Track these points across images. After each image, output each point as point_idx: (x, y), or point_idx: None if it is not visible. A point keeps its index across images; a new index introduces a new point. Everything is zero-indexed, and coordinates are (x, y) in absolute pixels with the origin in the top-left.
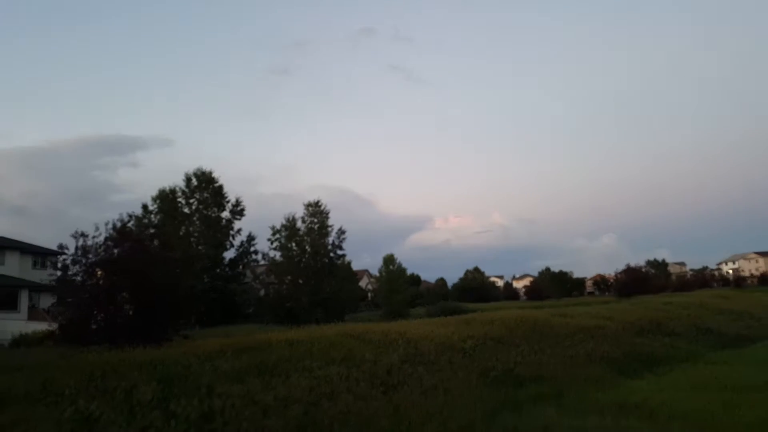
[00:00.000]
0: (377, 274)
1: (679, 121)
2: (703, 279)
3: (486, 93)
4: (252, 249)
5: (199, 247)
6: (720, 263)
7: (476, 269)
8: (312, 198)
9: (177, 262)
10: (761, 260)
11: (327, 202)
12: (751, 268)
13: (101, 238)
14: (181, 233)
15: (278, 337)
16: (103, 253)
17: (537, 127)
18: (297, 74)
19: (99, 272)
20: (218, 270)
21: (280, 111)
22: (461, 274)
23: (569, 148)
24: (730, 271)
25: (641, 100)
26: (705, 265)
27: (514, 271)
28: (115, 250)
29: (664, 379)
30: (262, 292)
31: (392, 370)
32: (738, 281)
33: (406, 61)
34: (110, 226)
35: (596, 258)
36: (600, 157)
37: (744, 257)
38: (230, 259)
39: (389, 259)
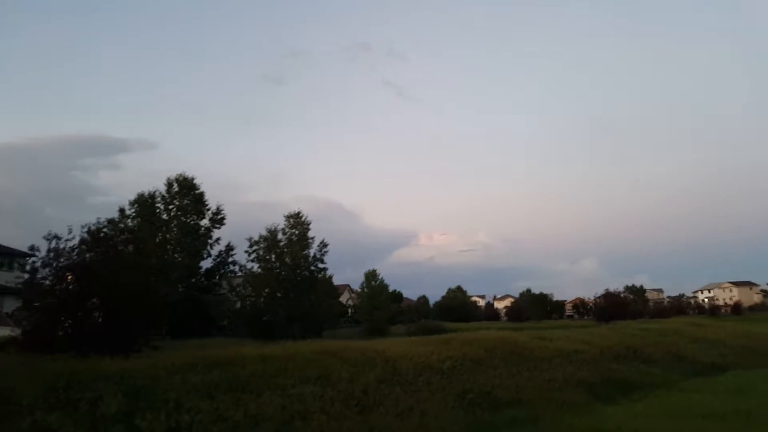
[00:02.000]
0: (359, 290)
1: (663, 150)
2: (680, 306)
3: (476, 113)
4: (230, 259)
5: (176, 255)
6: (696, 291)
7: (458, 288)
8: (297, 208)
9: (151, 269)
10: (735, 290)
11: (312, 213)
12: (725, 297)
13: (75, 242)
14: (157, 240)
15: (252, 352)
16: (75, 257)
17: (525, 149)
18: (290, 84)
19: (69, 277)
20: (194, 279)
21: (271, 120)
22: (444, 292)
23: (556, 171)
24: (706, 300)
25: (627, 128)
26: (682, 292)
27: (495, 291)
28: (88, 255)
29: (639, 406)
30: (239, 305)
31: (368, 390)
32: (713, 310)
33: (399, 77)
34: (85, 229)
35: (576, 281)
36: (585, 181)
37: (719, 286)
38: (207, 269)
39: (371, 275)
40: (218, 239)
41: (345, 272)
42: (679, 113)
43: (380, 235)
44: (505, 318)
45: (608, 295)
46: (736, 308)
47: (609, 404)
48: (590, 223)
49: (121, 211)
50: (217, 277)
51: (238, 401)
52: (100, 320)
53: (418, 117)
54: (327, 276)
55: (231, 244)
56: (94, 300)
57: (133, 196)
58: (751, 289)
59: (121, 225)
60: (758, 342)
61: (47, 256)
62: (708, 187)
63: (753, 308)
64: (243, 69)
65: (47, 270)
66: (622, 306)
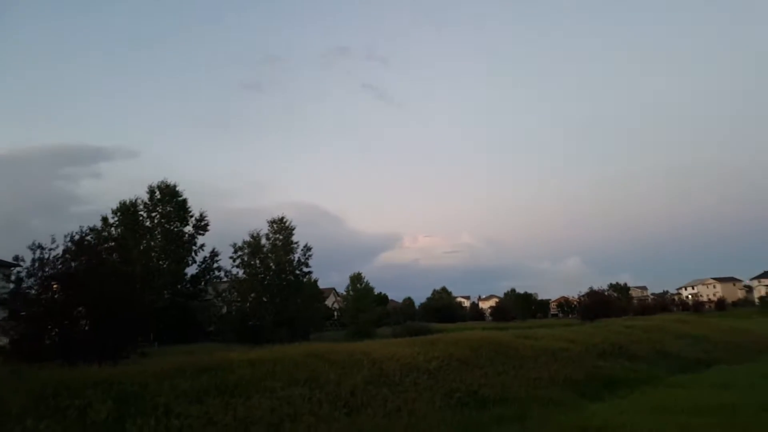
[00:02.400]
0: (344, 293)
1: (644, 149)
2: (664, 303)
3: (457, 115)
4: (215, 265)
5: (160, 262)
6: (680, 288)
7: (443, 289)
8: (280, 214)
9: (136, 277)
10: (719, 286)
11: (296, 218)
12: (709, 293)
13: (59, 251)
14: (141, 247)
15: (240, 356)
16: (60, 267)
17: (508, 150)
18: (269, 90)
19: (55, 286)
20: (179, 286)
21: (252, 126)
22: (429, 294)
23: (538, 171)
24: (690, 296)
25: (609, 128)
26: (666, 289)
27: (480, 292)
28: (73, 264)
29: (625, 402)
30: (225, 310)
31: (356, 392)
32: (697, 306)
33: (379, 80)
34: (68, 238)
35: (561, 280)
36: (567, 181)
37: (703, 282)
38: (192, 275)
39: (357, 278)
40: (202, 246)
41: (330, 276)
42: (659, 114)
43: (365, 238)
44: (490, 318)
45: (592, 294)
46: (720, 304)
47: (595, 401)
48: (573, 222)
49: (104, 219)
50: (203, 283)
51: (227, 405)
52: (86, 328)
53: (399, 120)
54: (312, 280)
55: (215, 250)
56: (80, 308)
57: (115, 205)
58: (734, 285)
59: (105, 233)
60: (742, 337)
61: (32, 265)
62: (690, 185)
63: (736, 304)
64: (221, 76)
65: (32, 280)
66: (607, 304)
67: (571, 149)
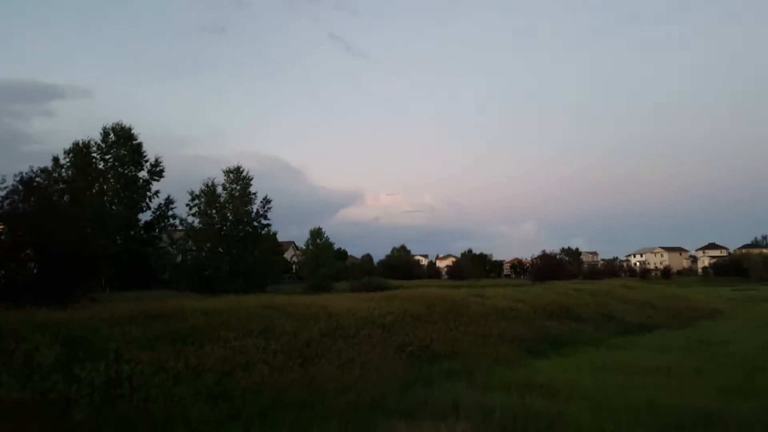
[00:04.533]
0: (303, 247)
1: (600, 121)
2: (612, 269)
3: (424, 74)
4: (170, 213)
5: (113, 207)
6: (629, 255)
7: (402, 247)
8: (238, 163)
9: (87, 220)
10: (666, 254)
11: (256, 169)
12: (656, 261)
13: (6, 191)
14: (93, 191)
15: (194, 305)
16: (6, 207)
17: (472, 114)
18: (233, 34)
19: (1, 227)
20: (133, 232)
21: (213, 71)
22: (388, 251)
23: (500, 136)
24: (638, 263)
25: (567, 97)
26: (615, 255)
27: (438, 251)
28: (21, 205)
29: (569, 361)
30: (179, 258)
31: (311, 343)
32: (643, 273)
33: (347, 32)
34: (17, 178)
35: (516, 243)
36: (527, 148)
37: (651, 251)
38: (146, 222)
39: (317, 233)
40: (157, 192)
41: (290, 229)
42: (611, 86)
43: (326, 194)
44: (446, 276)
45: (544, 257)
46: (666, 272)
47: (541, 359)
48: (531, 187)
49: (56, 160)
50: (157, 230)
51: (179, 352)
52: (35, 271)
53: (365, 73)
54: (271, 232)
55: (171, 197)
56: (28, 251)
57: (68, 145)
58: (680, 254)
59: (55, 174)
60: (683, 304)
61: None
62: (645, 157)
63: (681, 273)
64: (184, 17)
65: None
66: (557, 267)
67: (528, 118)
